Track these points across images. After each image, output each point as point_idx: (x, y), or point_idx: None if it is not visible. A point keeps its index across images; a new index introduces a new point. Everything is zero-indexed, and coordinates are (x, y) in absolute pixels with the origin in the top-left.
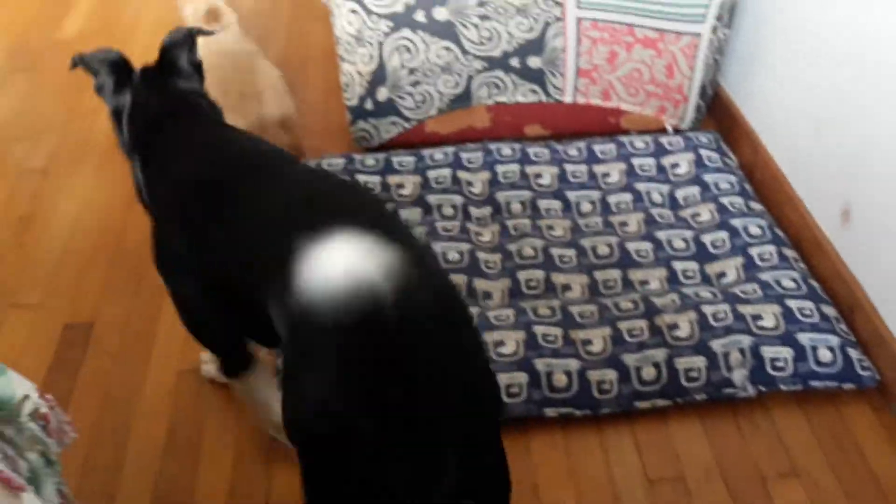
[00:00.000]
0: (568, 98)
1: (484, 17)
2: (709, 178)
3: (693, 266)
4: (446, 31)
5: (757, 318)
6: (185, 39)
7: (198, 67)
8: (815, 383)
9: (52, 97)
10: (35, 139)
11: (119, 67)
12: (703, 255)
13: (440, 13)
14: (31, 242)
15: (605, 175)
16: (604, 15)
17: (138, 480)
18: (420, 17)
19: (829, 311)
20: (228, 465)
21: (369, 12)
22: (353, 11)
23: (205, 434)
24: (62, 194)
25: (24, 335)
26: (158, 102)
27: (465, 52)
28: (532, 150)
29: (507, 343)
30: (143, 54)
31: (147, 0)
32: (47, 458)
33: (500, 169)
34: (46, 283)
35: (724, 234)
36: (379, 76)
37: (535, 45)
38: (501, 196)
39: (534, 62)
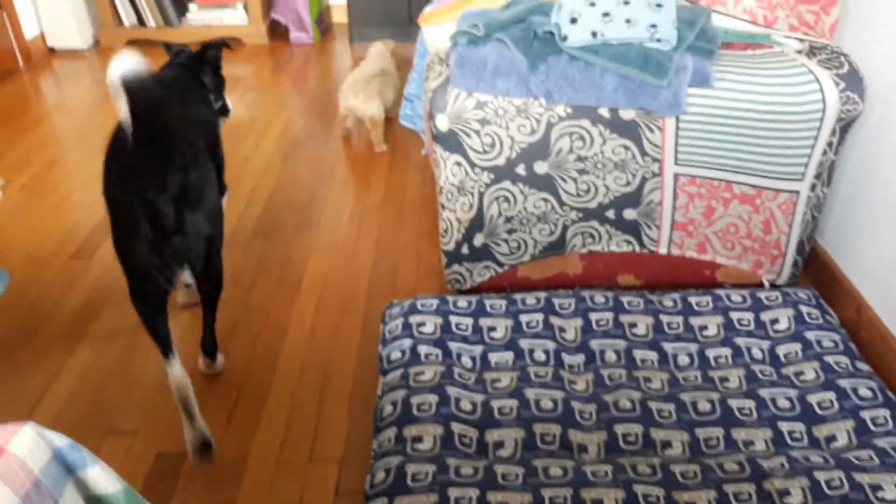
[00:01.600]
0: (662, 249)
1: (582, 172)
2: (810, 335)
3: (800, 427)
4: (545, 184)
5: (877, 488)
6: (217, 45)
7: (216, 57)
8: None
9: None
10: None
11: (178, 48)
12: (809, 416)
13: (540, 167)
14: (134, 369)
15: (703, 328)
16: (702, 171)
17: None
18: (520, 170)
19: None
20: None
21: (472, 165)
22: (458, 164)
23: None
24: None
25: (118, 462)
26: (174, 64)
27: (561, 203)
28: (626, 299)
29: (606, 502)
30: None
31: (253, 149)
32: None
33: (593, 316)
34: (144, 410)
35: (831, 395)
36: (477, 223)
37: (632, 199)
38: (595, 344)
39: (629, 214)
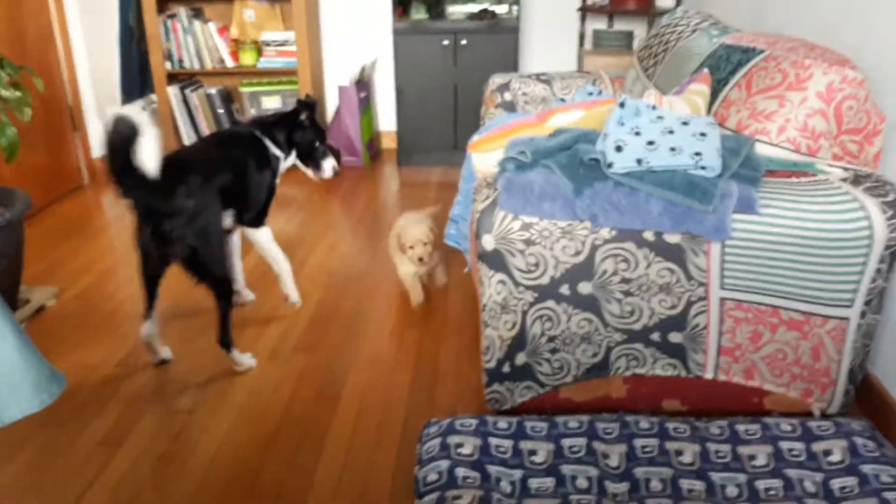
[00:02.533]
0: (709, 374)
1: (627, 293)
2: (867, 468)
3: None
4: (589, 304)
5: None
6: (312, 103)
7: (310, 112)
8: None
9: (206, 346)
10: (187, 381)
11: (309, 101)
12: None
13: (584, 287)
14: (167, 482)
15: (752, 457)
16: (748, 296)
17: None
18: (564, 290)
19: None
20: None
21: (517, 284)
22: (502, 282)
23: None
24: (205, 433)
25: None
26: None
27: (605, 324)
28: (671, 426)
29: None
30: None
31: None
32: None
33: (638, 443)
34: None
35: None
36: (519, 342)
37: (677, 322)
38: (640, 472)
39: (675, 338)
